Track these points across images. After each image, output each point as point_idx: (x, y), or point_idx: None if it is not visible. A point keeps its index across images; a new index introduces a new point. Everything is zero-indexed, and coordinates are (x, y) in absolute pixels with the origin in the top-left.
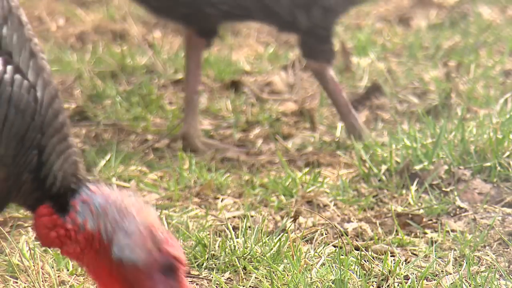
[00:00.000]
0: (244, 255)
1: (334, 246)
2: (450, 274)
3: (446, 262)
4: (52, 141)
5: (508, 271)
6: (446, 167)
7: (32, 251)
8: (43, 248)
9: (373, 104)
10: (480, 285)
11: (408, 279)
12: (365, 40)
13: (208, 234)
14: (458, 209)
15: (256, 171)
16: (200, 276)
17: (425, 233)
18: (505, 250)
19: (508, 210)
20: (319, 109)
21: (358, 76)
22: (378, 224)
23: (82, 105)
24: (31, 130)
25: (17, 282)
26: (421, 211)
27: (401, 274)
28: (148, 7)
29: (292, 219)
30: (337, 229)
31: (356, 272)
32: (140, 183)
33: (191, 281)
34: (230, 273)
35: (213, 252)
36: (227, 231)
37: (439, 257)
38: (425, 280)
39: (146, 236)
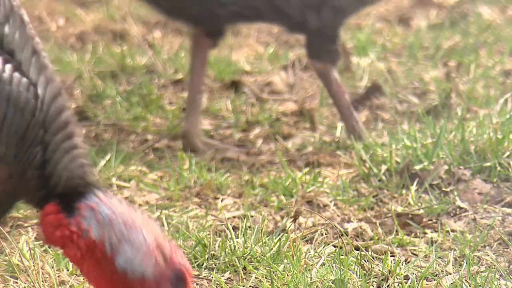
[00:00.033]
0: (244, 255)
1: (334, 246)
2: (450, 274)
3: (446, 262)
4: (56, 138)
5: (508, 271)
6: (446, 167)
7: (32, 251)
8: (43, 248)
9: (373, 104)
10: (480, 285)
11: (408, 279)
12: (365, 40)
13: (208, 234)
14: (458, 209)
15: (256, 171)
16: (200, 276)
17: (425, 233)
18: (505, 250)
19: (508, 210)
20: (319, 109)
21: (358, 76)
22: (378, 224)
23: (82, 105)
24: (32, 127)
25: (17, 282)
26: (421, 211)
27: (401, 274)
28: (158, 8)
29: (292, 219)
30: (337, 229)
31: (356, 272)
32: (140, 183)
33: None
34: (230, 273)
35: (213, 252)
36: (227, 231)
37: (439, 257)
38: (425, 280)
39: (154, 248)
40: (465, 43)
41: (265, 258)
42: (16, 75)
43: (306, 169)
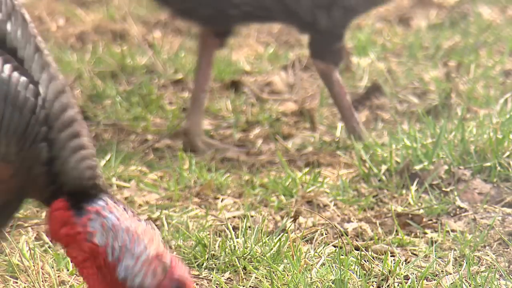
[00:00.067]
0: (244, 255)
1: (334, 246)
2: (450, 274)
3: (446, 262)
4: (61, 135)
5: (508, 271)
6: (446, 167)
7: (32, 251)
8: (43, 248)
9: (373, 104)
10: (480, 285)
11: (408, 279)
12: (365, 40)
13: (208, 234)
14: (458, 209)
15: (256, 171)
16: (200, 276)
17: (425, 233)
18: (505, 250)
19: (508, 210)
20: (319, 109)
21: (358, 76)
22: (378, 224)
23: (82, 105)
24: (33, 124)
25: (17, 282)
26: (421, 211)
27: (401, 274)
28: (171, 9)
29: (292, 219)
30: (337, 229)
31: (356, 272)
32: (140, 183)
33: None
34: (230, 273)
35: (213, 252)
36: (227, 231)
37: (439, 257)
38: (425, 280)
39: (154, 259)
40: (465, 43)
41: (265, 258)
42: (15, 74)
43: (306, 169)
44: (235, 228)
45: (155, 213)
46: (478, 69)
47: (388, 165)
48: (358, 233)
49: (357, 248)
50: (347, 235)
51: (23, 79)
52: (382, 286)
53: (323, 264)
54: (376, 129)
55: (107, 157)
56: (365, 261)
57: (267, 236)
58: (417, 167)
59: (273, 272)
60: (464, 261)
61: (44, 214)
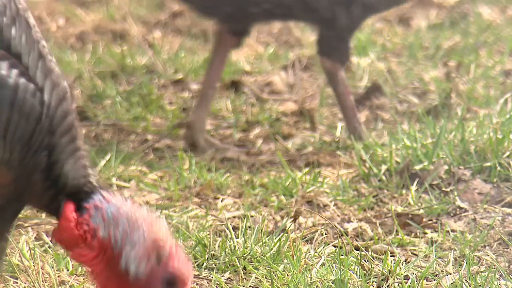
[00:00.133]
0: (244, 255)
1: (334, 246)
2: (450, 274)
3: (446, 262)
4: (62, 141)
5: (508, 271)
6: (446, 167)
7: (32, 251)
8: (43, 248)
9: (373, 104)
10: (480, 285)
11: (408, 279)
12: (365, 40)
13: (208, 234)
14: (458, 209)
15: (256, 171)
16: (200, 276)
17: (425, 233)
18: (505, 250)
19: (508, 210)
20: (319, 109)
21: (358, 76)
22: (378, 224)
23: (82, 105)
24: (38, 133)
25: (17, 282)
26: (421, 211)
27: (401, 274)
28: (192, 5)
29: (292, 219)
30: (337, 229)
31: (356, 272)
32: (140, 183)
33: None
34: (230, 273)
35: (213, 252)
36: (227, 231)
37: (439, 257)
38: (425, 280)
39: (150, 250)
40: (465, 43)
41: (265, 258)
42: (23, 80)
43: (306, 169)
44: (235, 228)
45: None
46: (478, 69)
47: (388, 165)
48: (358, 233)
49: (357, 248)
50: (347, 235)
51: (31, 86)
52: (382, 286)
53: (323, 264)
54: (376, 129)
55: (107, 157)
56: (365, 261)
57: (267, 236)
58: (417, 167)
59: (273, 272)
60: (464, 261)
61: (44, 214)
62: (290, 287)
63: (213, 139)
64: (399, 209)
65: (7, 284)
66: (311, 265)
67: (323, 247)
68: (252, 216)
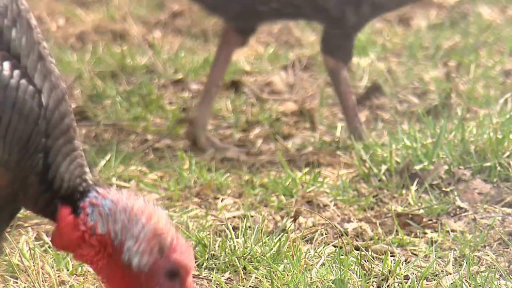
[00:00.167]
0: (244, 255)
1: (334, 246)
2: (450, 274)
3: (446, 262)
4: (58, 143)
5: (508, 271)
6: (446, 167)
7: (32, 251)
8: (43, 248)
9: (373, 104)
10: (480, 285)
11: (408, 279)
12: (365, 40)
13: (208, 234)
14: (458, 209)
15: (256, 171)
16: (200, 276)
17: (425, 233)
18: (505, 250)
19: (508, 210)
20: (319, 109)
21: (358, 76)
22: (378, 224)
23: (82, 105)
24: (35, 135)
25: (17, 282)
26: (421, 211)
27: (401, 274)
28: (201, 4)
29: (292, 219)
30: (337, 229)
31: (356, 272)
32: (140, 183)
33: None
34: (230, 273)
35: (213, 252)
36: (227, 231)
37: (439, 257)
38: (425, 280)
39: (152, 243)
40: (465, 43)
41: (265, 258)
42: (23, 82)
43: (306, 169)
44: (235, 228)
45: None
46: (478, 69)
47: (388, 165)
48: (358, 233)
49: (357, 248)
50: (347, 235)
51: (30, 88)
52: (382, 286)
53: (323, 264)
54: (376, 129)
55: (107, 157)
56: (365, 261)
57: (267, 236)
58: (417, 167)
59: (273, 272)
60: (464, 261)
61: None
62: (290, 287)
63: (214, 138)
64: (399, 209)
65: (7, 284)
66: (311, 265)
67: (323, 247)
68: (252, 216)
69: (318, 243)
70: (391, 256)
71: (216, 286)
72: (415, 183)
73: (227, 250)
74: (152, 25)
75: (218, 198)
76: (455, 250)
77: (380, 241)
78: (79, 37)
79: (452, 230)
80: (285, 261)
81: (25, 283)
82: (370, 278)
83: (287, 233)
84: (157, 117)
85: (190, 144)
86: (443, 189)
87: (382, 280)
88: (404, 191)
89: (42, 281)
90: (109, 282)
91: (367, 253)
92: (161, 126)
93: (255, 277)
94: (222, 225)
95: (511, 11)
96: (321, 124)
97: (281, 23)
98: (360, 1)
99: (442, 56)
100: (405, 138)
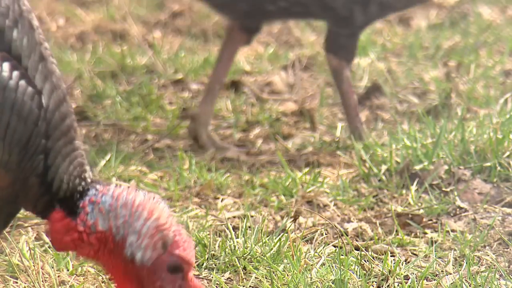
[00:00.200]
0: (244, 255)
1: (334, 246)
2: (450, 274)
3: (446, 262)
4: (58, 144)
5: (508, 271)
6: (446, 167)
7: (32, 251)
8: (43, 248)
9: (373, 104)
10: (480, 285)
11: (408, 279)
12: (365, 40)
13: (208, 234)
14: (458, 209)
15: (256, 171)
16: (200, 276)
17: (425, 233)
18: (505, 250)
19: (508, 210)
20: (319, 109)
21: (358, 76)
22: (378, 224)
23: (82, 105)
24: (35, 136)
25: (17, 282)
26: (421, 211)
27: (401, 274)
28: (208, 2)
29: (292, 219)
30: (337, 229)
31: (356, 272)
32: (140, 183)
33: None
34: (230, 273)
35: (213, 252)
36: (227, 231)
37: (439, 257)
38: (425, 280)
39: (154, 236)
40: (465, 43)
41: (265, 258)
42: (22, 83)
43: (306, 169)
44: (235, 228)
45: None
46: (478, 69)
47: (388, 165)
48: (358, 233)
49: (357, 248)
50: (347, 235)
51: (30, 89)
52: (382, 286)
53: (323, 264)
54: (376, 129)
55: (107, 157)
56: (365, 261)
57: (267, 236)
58: (417, 167)
59: (273, 272)
60: (464, 261)
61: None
62: (290, 287)
63: (215, 137)
64: (399, 209)
65: (7, 284)
66: (311, 265)
67: (323, 247)
68: (252, 216)
69: (318, 243)
70: (391, 256)
71: (216, 286)
72: (415, 183)
73: (227, 250)
74: (152, 25)
75: (218, 198)
76: (455, 250)
77: (380, 241)
78: (79, 37)
79: (452, 230)
80: (285, 261)
81: (25, 283)
82: (370, 278)
83: (287, 233)
84: (157, 117)
85: (191, 141)
86: (443, 189)
87: (382, 280)
88: (404, 191)
89: (42, 281)
90: (113, 276)
91: (367, 253)
92: (161, 126)
93: (255, 277)
94: (222, 225)
95: (511, 11)
96: (321, 124)
97: (282, 23)
98: (368, 1)
99: (442, 56)
100: (405, 138)
